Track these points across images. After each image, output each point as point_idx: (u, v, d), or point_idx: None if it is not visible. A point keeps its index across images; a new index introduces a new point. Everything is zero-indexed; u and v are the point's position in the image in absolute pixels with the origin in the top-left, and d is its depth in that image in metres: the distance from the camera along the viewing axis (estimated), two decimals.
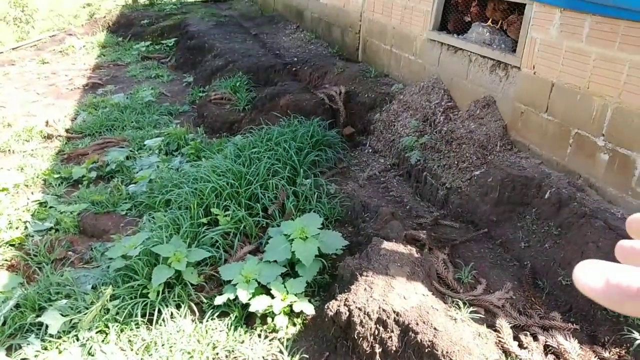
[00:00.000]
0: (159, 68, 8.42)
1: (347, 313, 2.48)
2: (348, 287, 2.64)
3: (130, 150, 5.03)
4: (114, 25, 11.41)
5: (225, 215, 3.45)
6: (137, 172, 4.55)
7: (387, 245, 2.76)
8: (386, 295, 2.47)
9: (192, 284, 3.02)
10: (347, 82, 5.76)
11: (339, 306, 2.53)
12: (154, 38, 10.11)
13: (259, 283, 2.89)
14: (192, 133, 5.39)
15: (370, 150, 4.99)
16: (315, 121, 4.79)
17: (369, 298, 2.48)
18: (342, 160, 4.78)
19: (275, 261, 3.03)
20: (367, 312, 2.42)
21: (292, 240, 3.05)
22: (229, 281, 2.97)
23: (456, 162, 3.99)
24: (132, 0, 13.55)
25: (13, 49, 10.21)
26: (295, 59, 7.04)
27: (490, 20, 4.39)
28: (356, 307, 2.46)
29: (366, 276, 2.58)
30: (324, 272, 3.10)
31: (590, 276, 0.40)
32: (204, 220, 3.46)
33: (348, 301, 2.51)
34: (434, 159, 4.16)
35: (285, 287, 2.87)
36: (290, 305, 2.81)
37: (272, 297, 2.81)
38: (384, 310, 2.41)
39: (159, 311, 2.87)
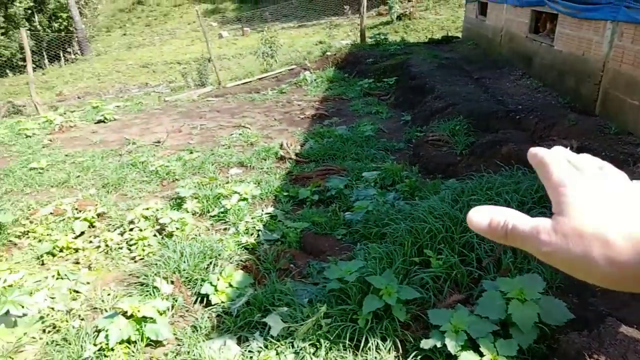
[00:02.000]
0: (379, 104, 8.92)
1: None
2: None
3: (349, 180, 5.40)
4: (342, 62, 12.48)
5: (438, 259, 3.45)
6: (354, 201, 4.86)
7: (625, 330, 2.44)
8: None
9: (399, 320, 3.08)
10: (579, 136, 5.31)
11: None
12: (377, 76, 10.76)
13: (467, 335, 2.81)
14: (406, 171, 5.55)
15: None
16: None
17: None
18: None
19: (487, 317, 2.91)
20: None
21: (509, 299, 2.90)
22: (436, 326, 2.95)
23: None
24: (359, 40, 14.68)
25: (259, 79, 11.92)
26: (520, 106, 6.75)
27: None
28: None
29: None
30: (539, 342, 2.87)
31: (479, 216, 0.49)
32: (416, 259, 3.52)
33: None
34: None
35: (495, 346, 2.74)
36: None
37: (481, 355, 2.70)
38: None
39: (366, 339, 2.99)
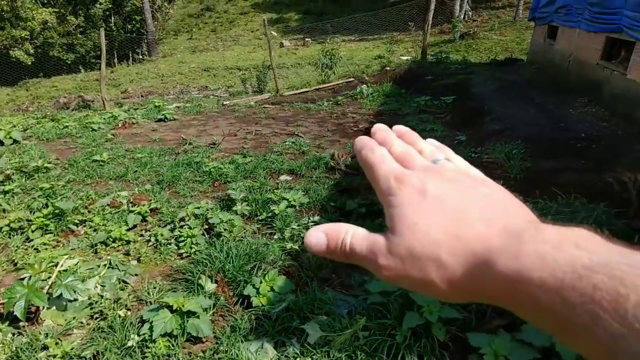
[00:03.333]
0: (434, 122, 8.80)
1: None
2: None
3: None
4: (400, 78, 12.44)
5: None
6: None
7: None
8: None
9: (438, 340, 3.01)
10: None
11: None
12: (435, 94, 10.64)
13: None
14: None
15: (608, 235, 4.21)
16: (601, 207, 4.31)
17: None
18: None
19: (530, 344, 2.80)
20: None
21: None
22: (476, 349, 2.87)
23: None
24: (420, 57, 14.59)
25: (316, 89, 12.05)
26: (583, 135, 6.49)
27: None
28: None
29: None
30: None
31: (315, 236, 0.45)
32: None
33: None
34: None
35: None
36: None
37: None
38: None
39: (403, 356, 2.94)
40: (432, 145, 0.50)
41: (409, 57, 16.36)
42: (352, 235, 0.45)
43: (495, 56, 15.67)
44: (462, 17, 22.51)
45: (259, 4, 34.32)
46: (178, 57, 25.19)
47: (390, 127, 0.57)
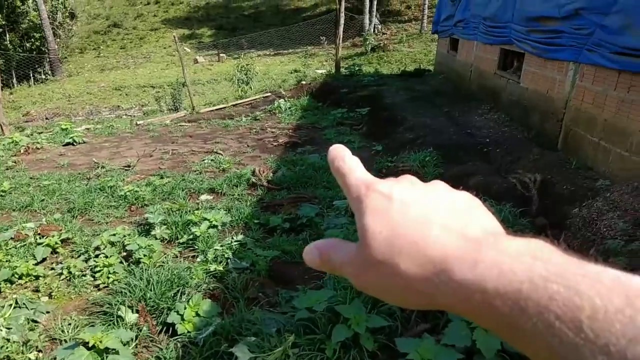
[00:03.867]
0: (351, 134, 9.04)
1: None
2: None
3: (320, 208, 5.42)
4: (317, 91, 12.66)
5: None
6: (325, 230, 4.87)
7: None
8: None
9: (367, 349, 3.08)
10: (542, 170, 5.49)
11: None
12: (350, 106, 10.95)
13: None
14: None
15: (565, 247, 4.60)
16: (507, 207, 4.64)
17: None
18: None
19: (453, 346, 2.95)
20: None
21: (474, 328, 2.94)
22: (404, 354, 2.97)
23: None
24: (334, 71, 14.96)
25: (233, 105, 11.96)
26: (487, 140, 6.96)
27: None
28: None
29: None
30: None
31: (311, 252, 0.46)
32: None
33: None
34: None
35: None
36: None
37: None
38: None
39: None
40: None
41: (324, 71, 16.71)
42: (335, 247, 0.45)
43: (405, 67, 16.41)
44: (372, 30, 23.38)
45: (170, 20, 33.53)
46: (86, 76, 23.96)
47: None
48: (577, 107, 5.75)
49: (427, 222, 0.40)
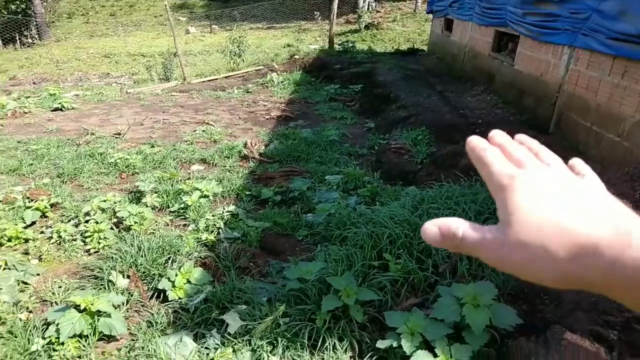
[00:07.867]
0: (344, 110, 9.02)
1: None
2: None
3: (312, 182, 5.43)
4: (310, 66, 12.55)
5: (397, 263, 3.53)
6: (316, 203, 4.89)
7: (570, 337, 2.56)
8: None
9: (356, 321, 3.13)
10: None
11: None
12: (343, 82, 10.89)
13: (423, 338, 2.88)
14: (368, 176, 5.63)
15: None
16: None
17: None
18: None
19: (442, 320, 3.00)
20: None
21: (462, 304, 3.00)
22: (392, 328, 3.02)
23: None
24: (328, 46, 14.81)
25: (225, 77, 11.82)
26: (480, 120, 6.99)
27: None
28: None
29: None
30: (490, 345, 2.98)
31: (431, 228, 0.49)
32: (375, 263, 3.58)
33: None
34: None
35: (450, 350, 2.82)
36: None
37: (435, 355, 2.78)
38: None
39: (323, 339, 3.02)
40: (547, 152, 0.54)
41: (317, 46, 16.52)
42: (463, 227, 0.48)
43: (398, 46, 16.30)
44: (366, 7, 23.10)
45: None
46: (74, 42, 23.43)
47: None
48: (571, 91, 5.78)
49: (574, 212, 0.44)
